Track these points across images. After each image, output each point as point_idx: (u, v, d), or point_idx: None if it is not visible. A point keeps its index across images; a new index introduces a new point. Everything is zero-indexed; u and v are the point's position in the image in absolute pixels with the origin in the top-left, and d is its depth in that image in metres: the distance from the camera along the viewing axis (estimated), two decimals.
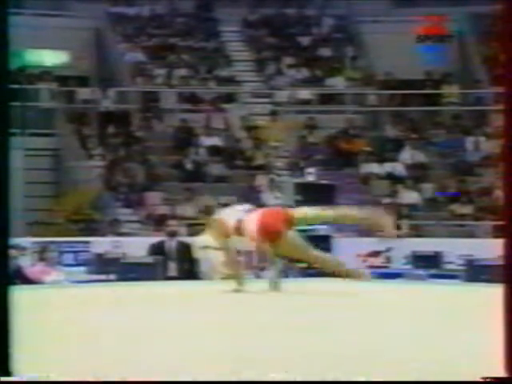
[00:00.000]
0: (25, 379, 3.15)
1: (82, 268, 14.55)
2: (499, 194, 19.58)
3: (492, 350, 4.21)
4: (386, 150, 20.91)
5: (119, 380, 3.40)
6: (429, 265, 14.93)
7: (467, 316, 6.12)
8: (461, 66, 22.76)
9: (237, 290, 7.78)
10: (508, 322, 2.91)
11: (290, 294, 7.80)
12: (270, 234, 7.59)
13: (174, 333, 5.03)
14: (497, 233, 18.57)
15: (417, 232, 18.61)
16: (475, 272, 11.77)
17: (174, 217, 17.07)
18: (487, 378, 3.04)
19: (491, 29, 22.71)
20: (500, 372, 3.05)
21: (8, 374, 3.08)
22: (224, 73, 22.32)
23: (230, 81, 22.12)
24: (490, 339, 4.64)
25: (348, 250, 16.58)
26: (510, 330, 2.92)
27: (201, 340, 4.65)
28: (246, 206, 8.02)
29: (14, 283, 3.30)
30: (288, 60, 22.64)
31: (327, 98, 22.04)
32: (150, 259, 11.55)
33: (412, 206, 19.59)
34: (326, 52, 22.97)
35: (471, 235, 18.62)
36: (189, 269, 11.01)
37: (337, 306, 6.88)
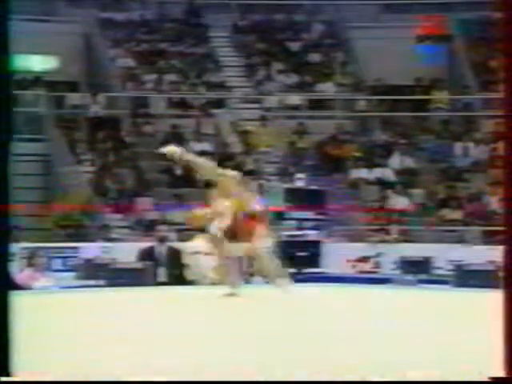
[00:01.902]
0: (24, 379, 3.17)
1: (71, 273, 14.52)
2: (488, 199, 19.66)
3: (484, 351, 4.22)
4: (376, 156, 20.95)
5: (117, 380, 3.41)
6: (418, 270, 14.94)
7: (457, 320, 6.14)
8: (450, 71, 22.83)
9: (230, 295, 7.75)
10: (508, 324, 2.94)
11: (282, 299, 7.79)
12: None
13: (162, 337, 5.03)
14: (486, 238, 18.63)
15: (406, 237, 18.64)
16: (464, 277, 11.79)
17: (163, 222, 17.06)
18: (488, 377, 3.07)
19: (480, 34, 22.80)
20: (500, 372, 3.07)
21: (8, 374, 3.11)
22: (214, 78, 22.33)
23: (220, 86, 22.14)
24: (482, 342, 4.66)
25: (337, 255, 16.62)
26: (510, 332, 2.95)
27: (190, 344, 4.65)
28: None
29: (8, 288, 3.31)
30: (277, 65, 22.66)
31: (317, 104, 22.07)
32: (139, 265, 11.53)
33: (401, 212, 19.62)
34: (315, 57, 23.01)
35: (460, 241, 18.67)
36: (178, 274, 10.99)
37: (328, 312, 6.89)
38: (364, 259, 17.40)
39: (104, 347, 4.54)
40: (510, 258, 2.95)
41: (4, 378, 3.08)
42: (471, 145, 21.03)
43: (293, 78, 22.50)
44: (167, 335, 5.19)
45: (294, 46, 23.15)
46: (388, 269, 16.85)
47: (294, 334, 5.31)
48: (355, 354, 4.34)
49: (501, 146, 3.05)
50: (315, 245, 15.52)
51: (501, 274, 3.00)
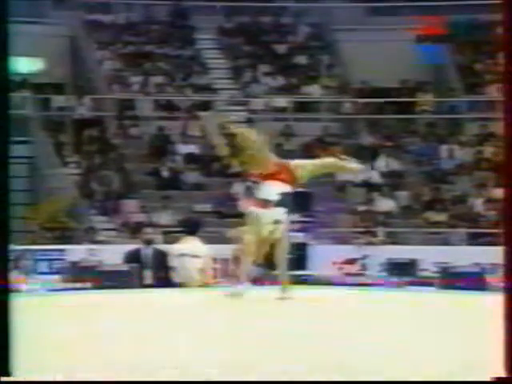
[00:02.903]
0: (24, 379, 3.17)
1: (57, 276, 14.49)
2: (473, 201, 19.74)
3: (471, 352, 4.25)
4: (362, 158, 20.98)
5: (117, 380, 3.41)
6: (404, 272, 15.00)
7: (443, 322, 6.16)
8: (435, 74, 22.90)
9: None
10: (508, 325, 2.99)
11: (269, 301, 7.80)
12: None
13: (149, 338, 5.03)
14: (471, 240, 18.71)
15: (392, 239, 18.70)
16: (450, 279, 11.84)
17: (149, 224, 17.04)
18: (491, 378, 3.10)
19: (466, 37, 22.90)
20: (500, 372, 3.10)
21: (8, 374, 3.11)
22: (200, 80, 22.34)
23: (206, 88, 22.14)
24: (468, 343, 4.69)
25: (324, 257, 16.65)
26: (510, 332, 2.99)
27: (178, 345, 4.66)
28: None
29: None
30: (264, 68, 22.69)
31: (303, 106, 22.11)
32: (125, 267, 11.52)
33: (387, 214, 19.68)
34: (301, 60, 23.05)
35: (446, 243, 18.73)
36: (164, 277, 10.99)
37: (315, 314, 6.91)
38: (350, 261, 17.43)
39: (90, 349, 4.55)
40: (509, 258, 2.99)
41: (4, 378, 3.08)
42: (456, 147, 21.12)
43: (279, 81, 22.53)
44: (155, 337, 5.20)
45: (281, 48, 23.18)
46: (374, 271, 16.89)
47: (279, 335, 5.33)
48: (343, 355, 4.36)
49: (500, 148, 3.11)
50: (302, 247, 15.54)
51: (501, 274, 3.05)
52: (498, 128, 20.66)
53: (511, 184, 3.00)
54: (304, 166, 8.17)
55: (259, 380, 3.51)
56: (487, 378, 3.30)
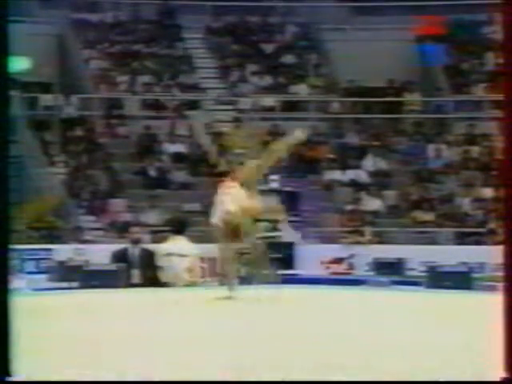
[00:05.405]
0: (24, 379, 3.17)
1: (43, 275, 14.45)
2: (461, 201, 19.80)
3: (458, 351, 4.27)
4: (349, 157, 21.03)
5: (117, 380, 3.41)
6: (391, 271, 15.02)
7: (431, 321, 6.18)
8: (422, 74, 22.96)
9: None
10: (508, 323, 3.00)
11: (256, 301, 7.81)
12: None
13: (136, 340, 5.03)
14: (458, 239, 18.76)
15: (379, 239, 18.73)
16: (437, 278, 11.86)
17: (137, 224, 17.01)
18: (500, 378, 3.11)
19: (453, 37, 22.96)
20: (500, 372, 3.10)
21: (8, 374, 3.11)
22: (188, 80, 22.32)
23: (194, 88, 22.13)
24: (456, 342, 4.70)
25: (311, 256, 16.68)
26: (510, 332, 3.00)
27: (164, 345, 4.66)
28: None
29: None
30: (252, 67, 22.70)
31: (290, 106, 22.12)
32: (112, 266, 11.49)
33: (375, 213, 19.71)
34: (289, 59, 23.06)
35: (433, 242, 18.78)
36: (152, 276, 10.97)
37: (303, 314, 6.92)
38: (338, 261, 17.46)
39: (75, 350, 4.54)
40: (510, 258, 2.99)
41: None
42: (444, 147, 21.18)
43: (267, 80, 22.54)
44: (140, 337, 5.19)
45: (268, 47, 23.19)
46: (361, 270, 16.92)
47: (264, 336, 5.33)
48: (332, 355, 4.37)
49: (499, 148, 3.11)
50: (289, 246, 15.56)
51: (501, 274, 3.06)
52: (485, 128, 20.74)
53: (511, 184, 3.01)
54: (259, 165, 8.25)
55: (258, 380, 3.51)
56: (488, 378, 3.30)
